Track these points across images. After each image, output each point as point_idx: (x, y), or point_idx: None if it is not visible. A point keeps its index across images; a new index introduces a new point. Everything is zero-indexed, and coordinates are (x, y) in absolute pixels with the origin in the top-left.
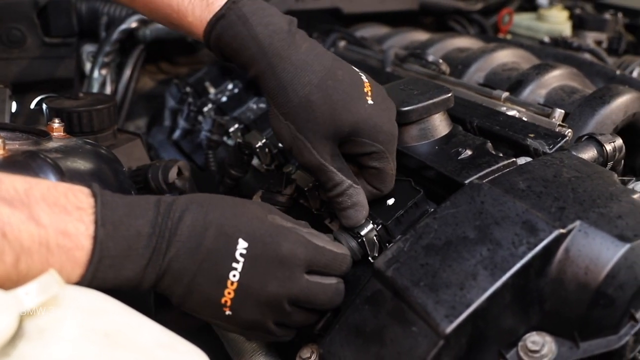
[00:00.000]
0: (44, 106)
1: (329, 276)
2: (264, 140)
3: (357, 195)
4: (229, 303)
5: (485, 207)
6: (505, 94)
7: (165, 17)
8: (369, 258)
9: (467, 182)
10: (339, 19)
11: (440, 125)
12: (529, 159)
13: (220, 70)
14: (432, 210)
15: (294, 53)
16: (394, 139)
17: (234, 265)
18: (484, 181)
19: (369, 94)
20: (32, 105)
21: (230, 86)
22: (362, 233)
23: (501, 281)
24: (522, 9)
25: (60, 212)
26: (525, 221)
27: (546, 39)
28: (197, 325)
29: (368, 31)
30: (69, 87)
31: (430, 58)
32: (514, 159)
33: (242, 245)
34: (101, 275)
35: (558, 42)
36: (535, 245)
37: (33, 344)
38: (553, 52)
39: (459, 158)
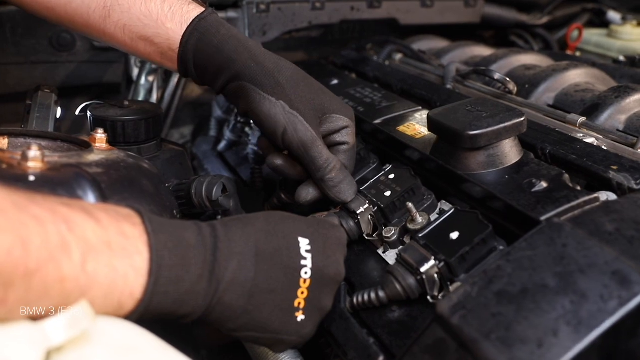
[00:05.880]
0: (89, 113)
1: None
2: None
3: (345, 170)
4: (302, 305)
5: (568, 251)
6: (582, 119)
7: (138, 31)
8: (428, 297)
9: (543, 219)
10: (394, 30)
11: (510, 152)
12: (611, 195)
13: None
14: (500, 247)
15: (265, 50)
16: (353, 115)
17: (303, 262)
18: (563, 219)
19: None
20: (77, 112)
21: None
22: (422, 270)
23: (587, 340)
24: (590, 24)
25: (114, 217)
26: (615, 271)
27: (621, 58)
28: (229, 342)
29: (424, 44)
30: (116, 92)
31: (497, 76)
32: (596, 195)
33: (304, 242)
34: (162, 289)
35: (636, 61)
36: (628, 301)
37: None
38: (630, 72)
39: (533, 190)
